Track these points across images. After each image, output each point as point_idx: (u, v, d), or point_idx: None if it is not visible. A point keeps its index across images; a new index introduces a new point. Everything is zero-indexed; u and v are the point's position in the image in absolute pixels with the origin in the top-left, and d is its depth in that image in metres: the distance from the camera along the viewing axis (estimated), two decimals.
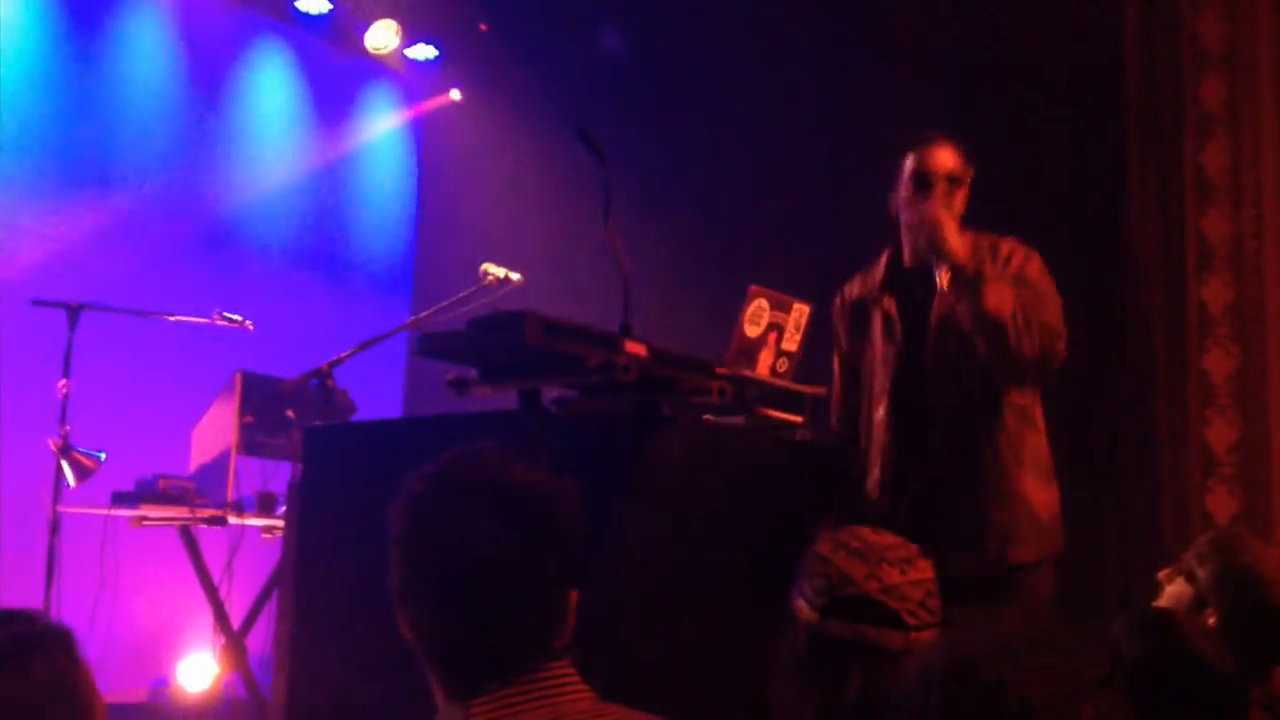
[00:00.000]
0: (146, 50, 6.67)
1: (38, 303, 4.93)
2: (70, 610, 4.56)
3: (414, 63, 7.77)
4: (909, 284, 3.44)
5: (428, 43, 7.68)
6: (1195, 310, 5.21)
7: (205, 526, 4.81)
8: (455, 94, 7.81)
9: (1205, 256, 5.25)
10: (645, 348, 2.69)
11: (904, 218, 3.43)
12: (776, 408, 3.28)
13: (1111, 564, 5.20)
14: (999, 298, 3.17)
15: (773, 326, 3.19)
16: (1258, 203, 5.24)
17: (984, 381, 3.31)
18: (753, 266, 6.08)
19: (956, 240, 3.22)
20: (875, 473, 3.41)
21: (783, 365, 3.26)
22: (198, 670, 5.79)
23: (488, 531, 1.55)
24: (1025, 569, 3.30)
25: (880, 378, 3.45)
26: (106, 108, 6.44)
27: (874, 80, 6.06)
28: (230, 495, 4.76)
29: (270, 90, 7.35)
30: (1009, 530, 3.28)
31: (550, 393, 2.88)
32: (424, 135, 8.16)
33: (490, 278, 4.11)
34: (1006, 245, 3.40)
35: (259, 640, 5.03)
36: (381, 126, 7.98)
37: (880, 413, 3.42)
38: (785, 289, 3.24)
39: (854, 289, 3.60)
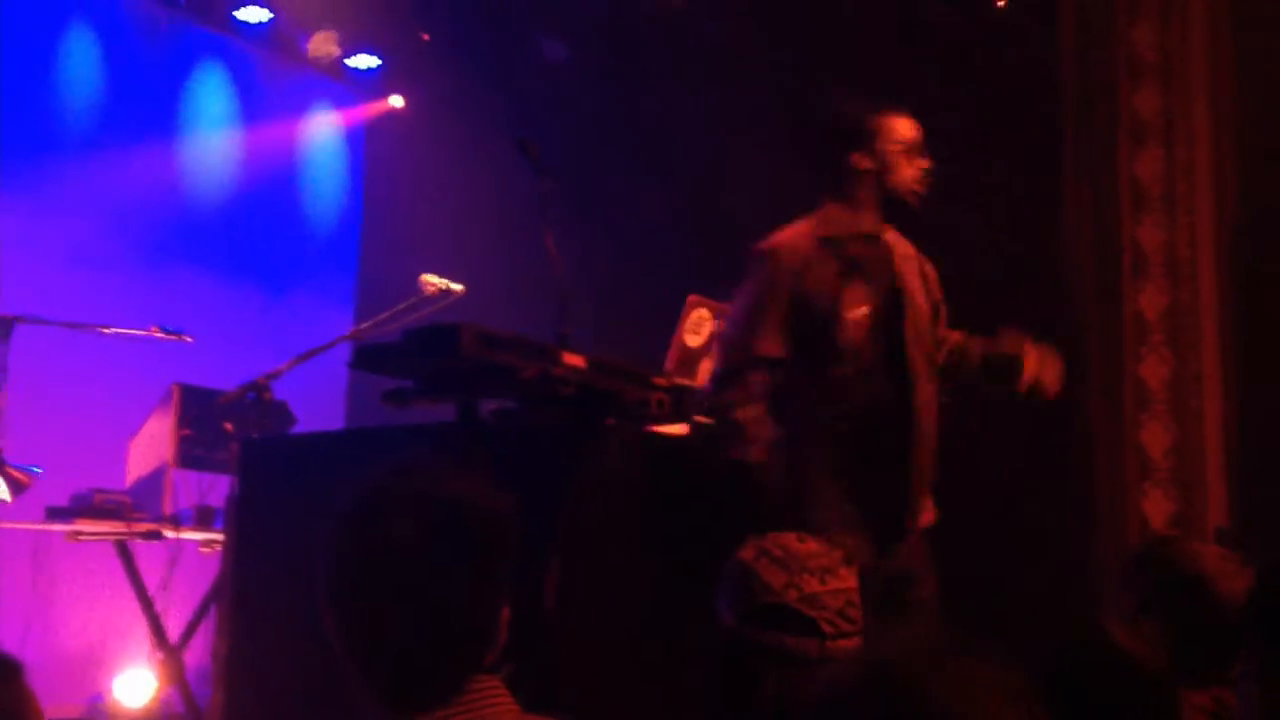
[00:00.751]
0: (84, 60, 6.59)
1: None
2: (4, 626, 4.50)
3: (356, 72, 7.72)
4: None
5: (370, 53, 7.64)
6: (1131, 317, 5.28)
7: (142, 541, 4.75)
8: (396, 99, 7.77)
9: (1140, 264, 5.32)
10: (584, 359, 2.69)
11: (898, 175, 3.33)
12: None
13: (1048, 566, 5.25)
14: None
15: (714, 336, 3.20)
16: (1192, 211, 5.32)
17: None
18: (695, 276, 6.08)
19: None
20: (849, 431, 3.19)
21: None
22: (135, 685, 5.70)
23: (417, 549, 1.54)
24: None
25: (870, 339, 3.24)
26: (43, 117, 6.35)
27: (813, 87, 6.09)
28: (167, 509, 4.70)
29: (210, 101, 7.27)
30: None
31: (495, 403, 2.88)
32: (366, 146, 8.11)
33: (431, 288, 4.10)
34: (929, 267, 3.45)
35: (197, 655, 4.98)
36: (323, 137, 7.92)
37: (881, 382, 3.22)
38: (727, 299, 3.26)
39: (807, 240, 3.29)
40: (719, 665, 2.04)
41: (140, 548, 4.84)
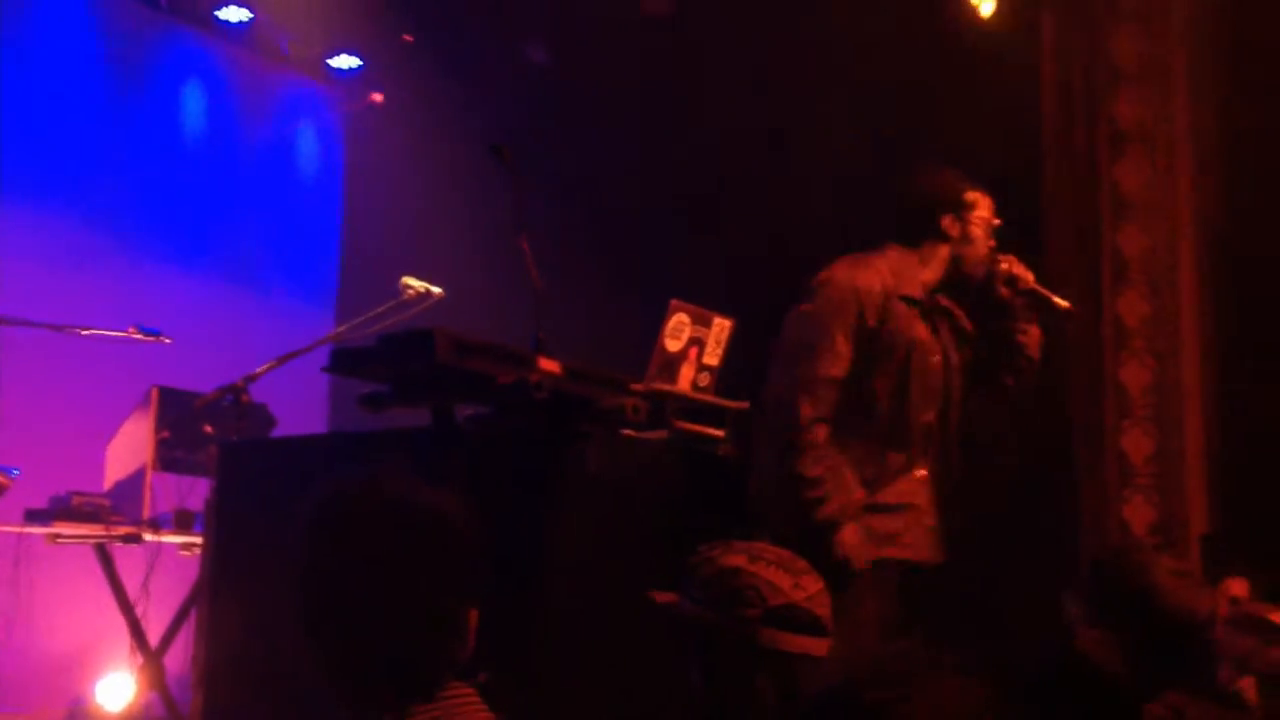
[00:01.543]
0: (64, 59, 6.56)
1: None
2: None
3: (338, 72, 7.70)
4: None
5: (351, 53, 7.62)
6: (1111, 323, 5.30)
7: (121, 544, 4.73)
8: (377, 96, 7.75)
9: (1121, 271, 5.33)
10: (559, 364, 2.68)
11: (974, 249, 3.50)
12: (698, 422, 3.29)
13: (1030, 573, 5.26)
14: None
15: (694, 341, 3.20)
16: (1172, 217, 5.34)
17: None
18: (675, 280, 6.08)
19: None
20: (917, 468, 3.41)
21: (704, 380, 3.27)
22: (116, 689, 5.68)
23: (385, 553, 1.54)
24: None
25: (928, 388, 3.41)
26: (22, 116, 6.32)
27: (794, 93, 6.10)
28: (146, 512, 4.67)
29: (191, 100, 7.25)
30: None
31: (472, 408, 2.87)
32: (348, 146, 8.09)
33: (411, 291, 4.08)
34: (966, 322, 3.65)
35: (178, 659, 4.95)
36: (305, 138, 7.90)
37: (931, 415, 3.41)
38: (707, 304, 3.26)
39: (881, 280, 3.41)
40: (702, 668, 2.07)
41: (120, 551, 4.81)
